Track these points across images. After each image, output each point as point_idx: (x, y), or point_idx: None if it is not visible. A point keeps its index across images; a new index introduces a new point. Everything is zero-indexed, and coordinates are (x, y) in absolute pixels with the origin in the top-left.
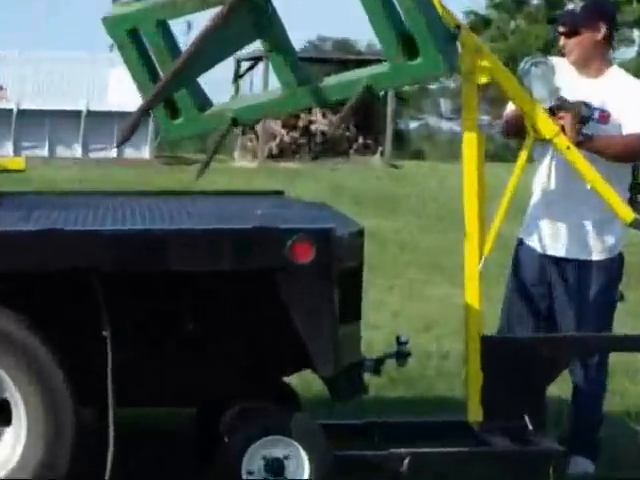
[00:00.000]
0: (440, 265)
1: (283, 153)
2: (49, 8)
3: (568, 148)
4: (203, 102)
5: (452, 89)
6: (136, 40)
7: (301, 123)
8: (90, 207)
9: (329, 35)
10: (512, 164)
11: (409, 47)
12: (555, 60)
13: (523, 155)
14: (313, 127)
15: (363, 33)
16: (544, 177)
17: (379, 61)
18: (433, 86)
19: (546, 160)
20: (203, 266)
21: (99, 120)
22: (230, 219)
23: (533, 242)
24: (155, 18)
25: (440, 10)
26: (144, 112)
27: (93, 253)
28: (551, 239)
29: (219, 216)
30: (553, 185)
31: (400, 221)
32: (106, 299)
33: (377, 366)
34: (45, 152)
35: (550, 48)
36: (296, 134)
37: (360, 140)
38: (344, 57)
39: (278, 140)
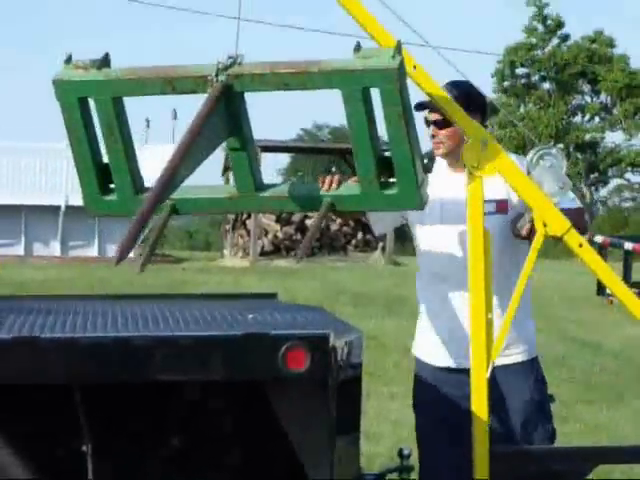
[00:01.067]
0: None
1: (277, 250)
2: (24, 97)
3: (581, 246)
4: (140, 184)
5: None
6: (85, 108)
7: (296, 217)
8: (69, 312)
9: (325, 122)
10: None
11: (387, 175)
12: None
13: (532, 254)
14: (308, 222)
15: None
16: (438, 272)
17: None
18: None
19: (439, 247)
20: (190, 376)
21: (79, 216)
22: (219, 325)
23: (435, 357)
24: (112, 93)
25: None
26: (143, 222)
27: (72, 362)
28: (460, 347)
29: (207, 321)
30: (454, 279)
31: (403, 323)
32: (86, 411)
33: None
34: (21, 250)
35: (564, 135)
36: (290, 229)
37: (359, 236)
38: (335, 146)
39: (271, 236)
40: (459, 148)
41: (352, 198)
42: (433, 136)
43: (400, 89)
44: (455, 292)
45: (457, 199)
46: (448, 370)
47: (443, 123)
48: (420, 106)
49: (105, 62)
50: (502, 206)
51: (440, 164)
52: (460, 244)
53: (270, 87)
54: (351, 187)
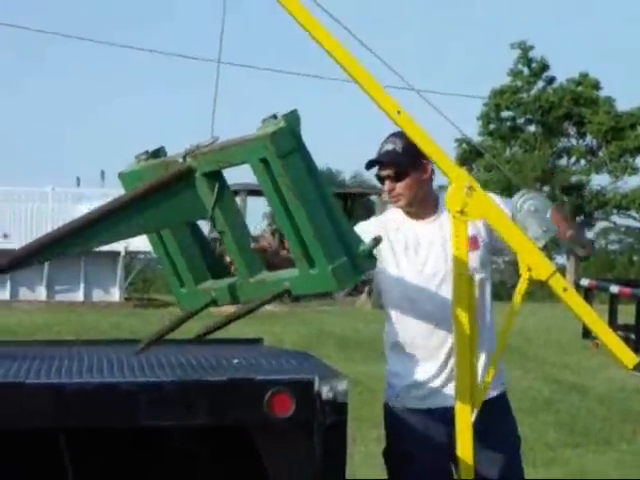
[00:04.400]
0: None
1: None
2: (8, 142)
3: (565, 290)
4: (200, 274)
5: None
6: None
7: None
8: (55, 358)
9: None
10: (507, 303)
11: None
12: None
13: (517, 297)
14: None
15: (347, 164)
16: (417, 319)
17: (363, 195)
18: None
19: (412, 301)
20: (175, 421)
21: (65, 260)
22: (205, 370)
23: (420, 401)
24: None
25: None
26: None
27: (57, 407)
28: (447, 386)
29: (193, 366)
30: (434, 324)
31: None
32: (71, 456)
33: None
34: (7, 295)
35: (550, 178)
36: None
37: None
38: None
39: None
40: (418, 197)
41: (296, 280)
42: (390, 191)
43: (283, 156)
44: (444, 339)
45: (430, 247)
46: (430, 411)
47: (398, 176)
48: (370, 164)
49: (158, 153)
50: (473, 242)
51: (395, 218)
52: (441, 289)
53: (212, 166)
54: (294, 270)
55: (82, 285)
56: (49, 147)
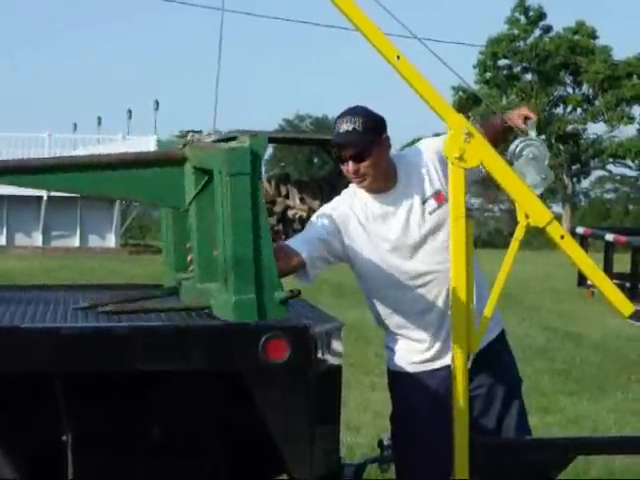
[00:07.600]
0: None
1: None
2: (5, 88)
3: (562, 237)
4: (180, 262)
5: None
6: None
7: (278, 208)
8: (50, 302)
9: (307, 113)
10: (503, 250)
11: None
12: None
13: (514, 244)
14: (290, 213)
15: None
16: (398, 288)
17: None
18: None
19: (396, 260)
20: (171, 365)
21: (61, 206)
22: (200, 315)
23: (422, 364)
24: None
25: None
26: None
27: (53, 352)
28: (448, 344)
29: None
30: (419, 289)
31: None
32: (66, 401)
33: (358, 472)
34: (3, 240)
35: (546, 126)
36: (272, 220)
37: None
38: (317, 136)
39: None
40: (382, 171)
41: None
42: (355, 172)
43: (232, 175)
44: (432, 301)
45: (399, 217)
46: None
47: (361, 155)
48: (332, 147)
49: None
50: (440, 197)
51: (360, 195)
52: (418, 254)
53: (198, 163)
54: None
55: (78, 231)
56: (46, 93)
